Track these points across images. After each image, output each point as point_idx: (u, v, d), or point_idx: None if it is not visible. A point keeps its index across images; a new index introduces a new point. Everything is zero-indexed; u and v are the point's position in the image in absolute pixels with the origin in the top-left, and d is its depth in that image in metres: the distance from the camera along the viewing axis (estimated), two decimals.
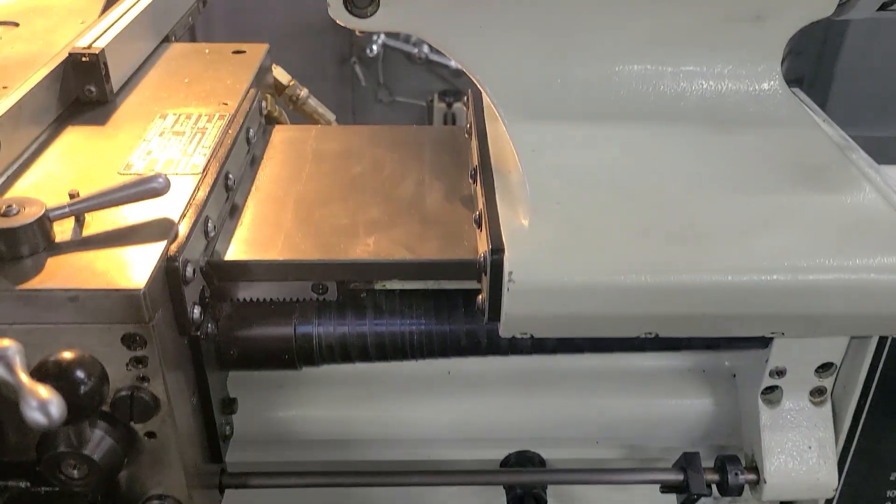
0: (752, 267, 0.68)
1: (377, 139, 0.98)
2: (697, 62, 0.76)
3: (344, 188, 0.88)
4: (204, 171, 0.80)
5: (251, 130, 0.93)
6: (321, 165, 0.93)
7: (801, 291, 0.68)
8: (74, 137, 0.87)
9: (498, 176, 0.80)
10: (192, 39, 1.39)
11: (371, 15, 0.74)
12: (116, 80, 0.95)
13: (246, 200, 0.86)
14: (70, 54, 0.91)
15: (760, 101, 0.78)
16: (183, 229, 0.71)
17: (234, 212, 0.84)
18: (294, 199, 0.86)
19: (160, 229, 0.71)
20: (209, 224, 0.76)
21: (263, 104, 1.01)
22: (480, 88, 0.78)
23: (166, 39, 1.15)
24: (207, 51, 1.10)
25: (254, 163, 0.93)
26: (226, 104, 0.95)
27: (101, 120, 0.90)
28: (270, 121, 1.11)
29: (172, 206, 0.74)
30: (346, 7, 0.74)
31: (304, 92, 1.19)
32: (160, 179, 0.71)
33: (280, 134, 1.00)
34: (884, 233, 0.70)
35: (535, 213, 0.73)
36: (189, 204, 0.75)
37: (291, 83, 1.17)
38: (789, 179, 0.75)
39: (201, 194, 0.76)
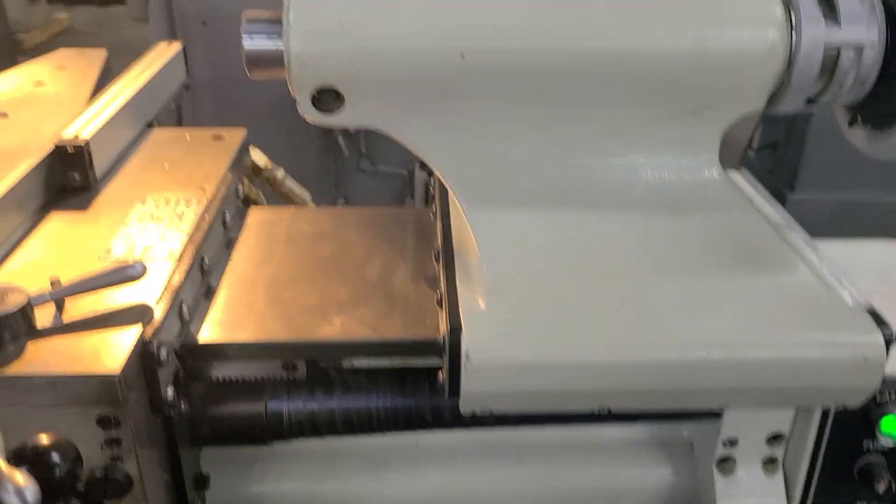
0: (696, 344, 0.72)
1: (347, 221, 1.03)
2: (643, 154, 0.82)
3: (314, 269, 0.92)
4: (180, 256, 0.84)
5: (227, 214, 0.98)
6: (293, 247, 0.97)
7: (741, 367, 0.73)
8: (57, 224, 0.91)
9: (459, 257, 0.85)
10: (179, 119, 1.45)
11: (337, 111, 0.80)
12: (100, 167, 1.00)
13: (220, 282, 0.90)
14: (56, 146, 0.96)
15: (701, 188, 0.83)
16: (158, 313, 0.75)
17: (210, 293, 0.88)
18: (266, 280, 0.90)
19: (136, 314, 0.75)
20: (184, 308, 0.80)
21: (240, 187, 1.06)
22: (440, 177, 0.83)
23: (150, 124, 1.20)
24: (188, 136, 1.15)
25: (230, 245, 0.98)
26: (203, 189, 1.00)
27: (84, 205, 0.95)
28: (248, 202, 1.16)
29: (149, 290, 0.78)
30: (314, 105, 0.79)
31: (280, 173, 1.25)
32: (137, 267, 0.76)
33: (256, 216, 1.05)
34: (817, 310, 0.75)
35: (492, 295, 0.77)
36: (165, 289, 0.79)
37: (268, 165, 1.23)
38: (729, 261, 0.80)
39: (177, 279, 0.80)
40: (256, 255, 0.95)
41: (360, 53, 0.76)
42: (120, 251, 0.86)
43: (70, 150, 0.96)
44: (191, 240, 0.88)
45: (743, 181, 1.04)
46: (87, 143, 0.97)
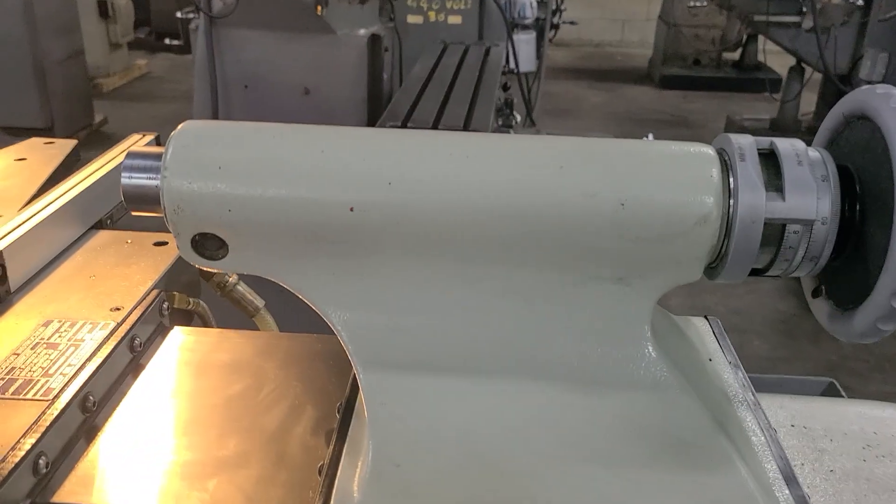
0: None
1: (273, 349, 0.96)
2: (557, 318, 0.73)
3: (212, 411, 0.85)
4: (54, 398, 0.78)
5: (137, 339, 0.92)
6: (202, 380, 0.90)
7: None
8: None
9: (357, 418, 0.77)
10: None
11: (222, 258, 0.73)
12: (17, 279, 0.96)
13: (109, 419, 0.83)
14: None
15: (627, 364, 0.73)
16: (4, 469, 0.69)
17: (92, 433, 0.81)
18: (157, 422, 0.83)
19: None
20: (41, 461, 0.73)
21: (164, 305, 1.00)
22: (336, 333, 0.75)
23: (101, 223, 1.16)
24: (129, 241, 1.11)
25: (137, 371, 0.91)
26: (118, 309, 0.94)
27: None
28: (189, 315, 1.10)
29: (4, 439, 0.72)
30: (196, 251, 0.73)
31: (233, 278, 1.18)
32: None
33: (176, 338, 0.98)
34: None
35: (371, 484, 0.68)
36: (21, 437, 0.72)
37: (219, 271, 1.17)
38: (650, 452, 0.70)
39: (39, 428, 0.74)
40: (160, 389, 0.88)
41: (238, 201, 0.69)
42: None
43: None
44: (75, 376, 0.81)
45: (706, 331, 0.93)
46: (1, 254, 0.93)
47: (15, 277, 0.96)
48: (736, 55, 7.92)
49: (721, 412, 0.75)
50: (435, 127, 2.82)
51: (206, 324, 1.14)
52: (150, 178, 0.71)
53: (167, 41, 8.29)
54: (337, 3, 3.13)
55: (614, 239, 0.68)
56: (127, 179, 0.71)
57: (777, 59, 6.96)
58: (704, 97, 7.57)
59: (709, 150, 0.70)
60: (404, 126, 2.82)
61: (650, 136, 3.74)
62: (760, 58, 7.52)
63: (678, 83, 7.73)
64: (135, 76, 7.60)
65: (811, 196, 0.66)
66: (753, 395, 0.83)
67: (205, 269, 0.74)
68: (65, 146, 1.28)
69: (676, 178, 0.68)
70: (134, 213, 0.75)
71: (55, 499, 0.73)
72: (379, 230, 0.69)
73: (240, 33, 3.19)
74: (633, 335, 0.73)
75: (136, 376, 0.91)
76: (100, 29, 6.91)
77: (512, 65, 4.63)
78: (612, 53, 9.30)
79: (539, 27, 5.04)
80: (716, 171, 0.68)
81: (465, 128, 2.79)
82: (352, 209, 0.69)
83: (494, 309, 0.73)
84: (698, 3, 7.10)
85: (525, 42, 4.94)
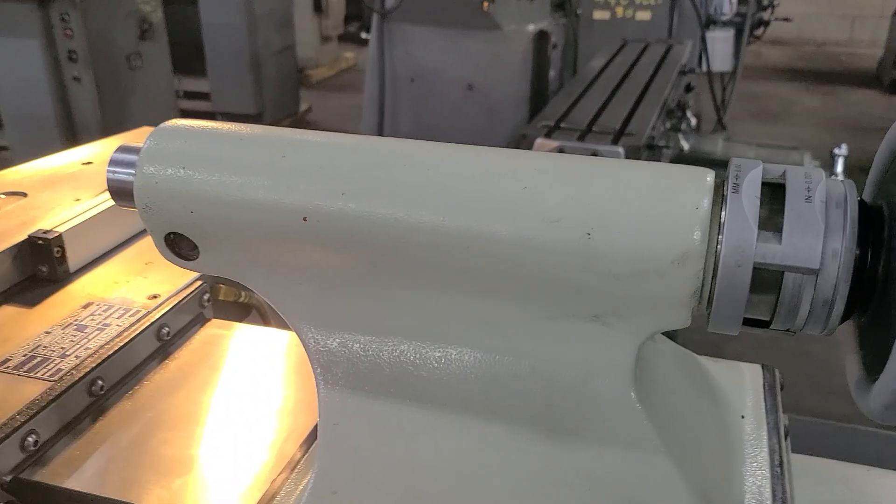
0: None
1: (291, 349, 0.95)
2: (528, 354, 0.64)
3: (206, 407, 0.85)
4: (59, 379, 0.82)
5: (166, 328, 0.94)
6: (210, 374, 0.91)
7: None
8: None
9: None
10: None
11: (195, 259, 0.73)
12: (76, 261, 1.02)
13: (113, 407, 0.86)
14: (29, 236, 0.99)
15: (599, 414, 0.63)
16: None
17: (98, 415, 0.85)
18: (153, 415, 0.85)
19: None
20: (30, 438, 0.77)
21: (206, 296, 1.02)
22: (302, 344, 0.72)
23: None
24: None
25: (163, 359, 0.94)
26: (155, 296, 0.97)
27: (35, 301, 0.96)
28: (245, 308, 1.12)
29: (1, 414, 0.76)
30: (172, 250, 0.72)
31: None
32: None
33: (207, 331, 1.00)
34: None
35: (308, 500, 0.65)
36: (13, 416, 0.76)
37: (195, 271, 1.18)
38: None
39: (34, 406, 0.78)
40: (169, 381, 0.90)
41: (199, 202, 0.68)
42: (17, 362, 0.85)
43: (40, 242, 0.98)
44: (85, 359, 0.85)
45: (755, 381, 0.80)
46: (60, 237, 0.99)
47: (75, 259, 1.02)
48: None
49: (715, 489, 0.63)
50: (589, 129, 2.70)
51: (262, 316, 1.16)
52: (125, 174, 0.71)
53: (363, 35, 8.65)
54: None
55: (580, 272, 0.59)
56: (111, 174, 0.72)
57: None
58: None
59: (706, 177, 0.59)
60: (556, 126, 2.73)
61: (843, 148, 3.34)
62: None
63: None
64: (341, 68, 8.02)
65: (815, 239, 0.53)
66: (781, 465, 0.70)
67: (183, 269, 0.74)
68: None
69: (656, 208, 0.57)
70: (120, 207, 0.76)
71: (35, 477, 0.77)
72: (332, 243, 0.65)
73: (408, 28, 3.25)
74: (610, 381, 0.63)
75: (160, 364, 0.94)
76: (313, 23, 7.37)
77: (703, 65, 4.35)
78: (836, 53, 8.48)
79: (739, 24, 4.70)
80: (706, 203, 0.57)
81: (622, 131, 2.65)
82: (305, 219, 0.65)
83: (461, 338, 0.66)
84: None
85: (721, 40, 4.62)
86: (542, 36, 3.22)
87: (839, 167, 3.13)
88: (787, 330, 0.59)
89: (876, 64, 7.59)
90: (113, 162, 0.72)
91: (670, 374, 0.71)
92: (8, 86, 4.54)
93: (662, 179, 0.60)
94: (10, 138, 4.69)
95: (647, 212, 0.58)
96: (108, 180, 0.73)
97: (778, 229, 0.54)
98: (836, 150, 3.14)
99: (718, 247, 0.56)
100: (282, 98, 6.23)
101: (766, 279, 0.56)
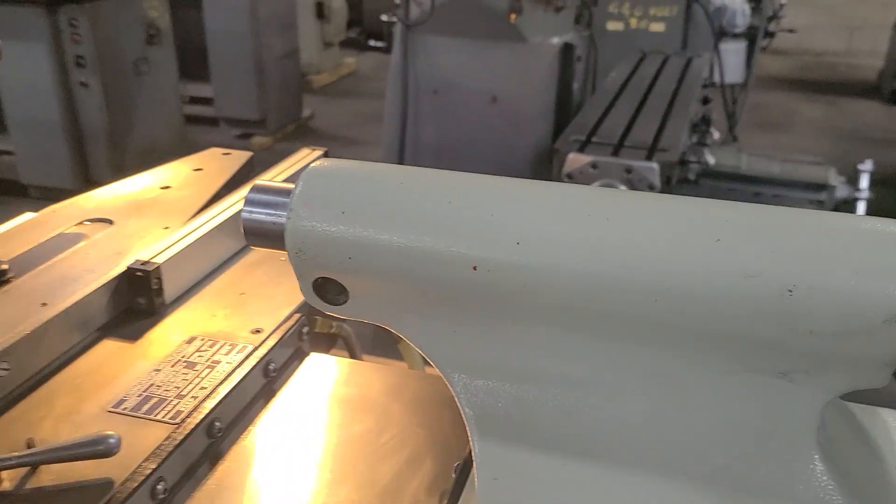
0: None
1: (403, 387, 0.93)
2: (703, 410, 0.63)
3: (330, 455, 0.82)
4: (181, 422, 0.79)
5: (272, 364, 0.92)
6: (327, 416, 0.88)
7: None
8: (101, 354, 0.91)
9: (470, 488, 0.71)
10: None
11: (343, 303, 0.70)
12: (172, 292, 0.99)
13: (232, 448, 0.83)
14: (128, 268, 0.96)
15: (782, 475, 0.61)
16: (122, 493, 0.70)
17: (217, 459, 0.82)
18: (276, 459, 0.82)
19: (101, 490, 0.71)
20: (160, 486, 0.74)
21: (305, 329, 1.00)
22: (454, 396, 0.70)
23: None
24: (283, 258, 1.11)
25: (269, 397, 0.91)
26: (258, 331, 0.95)
27: (136, 335, 0.94)
28: (332, 338, 1.09)
29: (127, 461, 0.73)
30: (318, 294, 0.70)
31: None
32: (111, 441, 0.71)
33: (310, 365, 0.97)
34: None
35: None
36: (143, 463, 0.74)
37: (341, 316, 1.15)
38: None
39: (161, 452, 0.75)
40: (284, 418, 0.88)
41: (359, 248, 0.65)
42: (132, 404, 0.82)
43: (139, 274, 0.95)
44: (206, 399, 0.82)
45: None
46: (158, 269, 0.96)
47: (171, 291, 0.99)
48: None
49: None
50: (621, 144, 2.69)
51: (349, 347, 1.13)
52: (269, 215, 0.69)
53: (371, 42, 8.63)
54: (531, 10, 3.08)
55: (778, 330, 0.57)
56: (248, 214, 0.70)
57: None
58: None
59: None
60: (588, 141, 2.72)
61: (868, 164, 3.34)
62: None
63: None
64: (343, 74, 7.98)
65: None
66: None
67: (326, 313, 0.72)
68: (240, 157, 1.32)
69: (862, 263, 0.56)
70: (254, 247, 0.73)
71: None
72: (504, 293, 0.63)
73: (433, 39, 3.23)
74: (794, 441, 0.61)
75: (267, 402, 0.91)
76: (315, 28, 7.33)
77: (715, 76, 4.36)
78: (835, 63, 8.54)
79: (751, 36, 4.71)
80: None
81: (654, 145, 2.64)
82: (475, 268, 0.63)
83: (632, 392, 0.64)
84: None
85: (734, 52, 4.63)
86: (567, 48, 3.21)
87: (864, 183, 3.14)
88: None
89: (876, 75, 7.65)
90: (251, 202, 0.70)
91: (837, 427, 0.69)
92: (14, 90, 4.48)
93: (862, 232, 0.58)
94: (15, 143, 4.63)
95: (853, 267, 0.56)
96: (245, 221, 0.70)
97: None
98: (861, 166, 3.15)
99: None
100: (285, 104, 6.19)
101: None
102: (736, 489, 0.63)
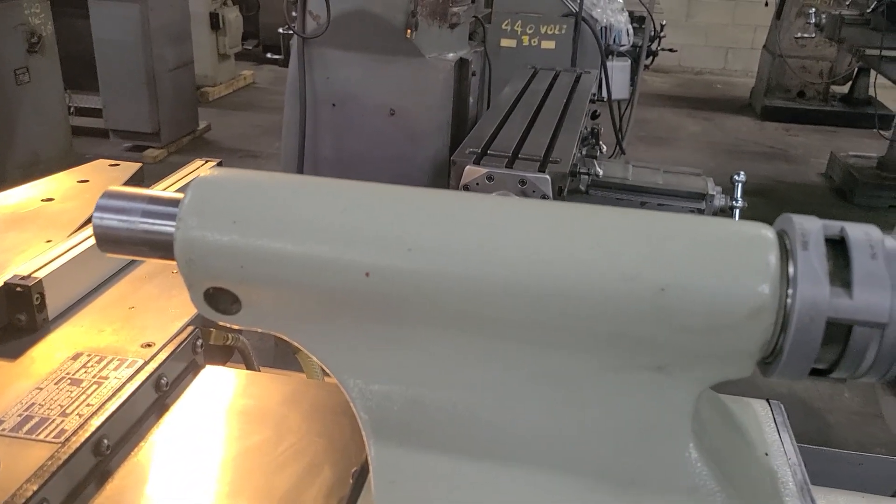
0: None
1: (298, 397, 0.92)
2: (587, 406, 0.66)
3: (224, 468, 0.81)
4: (65, 441, 0.76)
5: (164, 378, 0.90)
6: (222, 428, 0.87)
7: None
8: None
9: (367, 493, 0.72)
10: None
11: (236, 313, 0.70)
12: (56, 307, 0.96)
13: (122, 465, 0.81)
14: (5, 283, 0.92)
15: (661, 463, 0.65)
16: None
17: (104, 477, 0.79)
18: (168, 474, 0.80)
19: None
20: None
21: (199, 342, 0.98)
22: (349, 401, 0.70)
23: None
24: (175, 271, 1.09)
25: (161, 411, 0.89)
26: (149, 345, 0.92)
27: (16, 353, 0.90)
28: (228, 350, 1.08)
29: (7, 483, 0.70)
30: (210, 305, 0.69)
31: None
32: None
33: (204, 378, 0.96)
34: None
35: None
36: (24, 485, 0.71)
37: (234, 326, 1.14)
38: None
39: (45, 472, 0.72)
40: (177, 437, 0.86)
41: (251, 257, 0.65)
42: (11, 424, 0.79)
43: (19, 289, 0.92)
44: (91, 416, 0.80)
45: (765, 416, 0.84)
46: (40, 283, 0.93)
47: (54, 306, 0.95)
48: (844, 88, 7.53)
49: None
50: (515, 156, 2.76)
51: (246, 359, 1.12)
52: (122, 222, 0.68)
53: (268, 55, 8.50)
54: (427, 27, 3.12)
55: (654, 327, 0.61)
56: (98, 221, 0.69)
57: (889, 94, 6.57)
58: (808, 131, 7.23)
59: (767, 233, 0.62)
60: (484, 153, 2.77)
61: (741, 175, 3.54)
62: (871, 92, 7.12)
63: (781, 115, 7.40)
64: (240, 86, 7.83)
65: (884, 294, 0.57)
66: (812, 500, 0.74)
67: (220, 323, 0.71)
68: (128, 168, 1.29)
69: (727, 264, 0.60)
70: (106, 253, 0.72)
71: None
72: (396, 298, 0.64)
73: (331, 53, 3.22)
74: (671, 431, 0.65)
75: (159, 417, 0.89)
76: (210, 40, 7.17)
77: (604, 93, 4.53)
78: (712, 81, 9.01)
79: (635, 54, 4.92)
80: (773, 258, 0.60)
81: (547, 157, 2.72)
82: (367, 274, 0.64)
83: (523, 392, 0.67)
84: (807, 35, 6.78)
85: (619, 69, 4.82)
86: (462, 63, 3.27)
87: (738, 192, 3.32)
88: (842, 379, 0.63)
89: (748, 92, 8.11)
90: (102, 207, 0.68)
91: (708, 415, 0.74)
92: None
93: (727, 235, 0.62)
94: None
95: (719, 267, 0.60)
96: (96, 226, 0.69)
97: (846, 285, 0.58)
98: (736, 177, 3.33)
99: (788, 301, 0.59)
100: (179, 116, 6.03)
101: (833, 332, 0.59)
102: (621, 481, 0.66)
